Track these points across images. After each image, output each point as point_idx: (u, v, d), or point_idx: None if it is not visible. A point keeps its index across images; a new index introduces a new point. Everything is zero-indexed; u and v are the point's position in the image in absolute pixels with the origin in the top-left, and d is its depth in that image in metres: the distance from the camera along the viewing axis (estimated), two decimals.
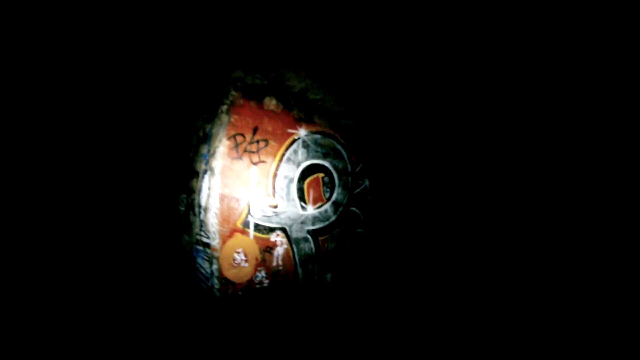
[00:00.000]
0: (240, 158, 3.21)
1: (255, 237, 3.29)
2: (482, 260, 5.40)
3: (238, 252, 3.10)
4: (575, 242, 3.39)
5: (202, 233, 3.04)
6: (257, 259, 3.25)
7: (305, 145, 3.82)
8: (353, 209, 4.40)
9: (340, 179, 4.20)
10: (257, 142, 3.38)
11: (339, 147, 4.24)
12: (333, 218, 4.05)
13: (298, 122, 3.77)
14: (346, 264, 4.22)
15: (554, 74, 3.33)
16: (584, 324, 2.89)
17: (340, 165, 4.23)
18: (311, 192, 3.84)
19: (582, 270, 3.26)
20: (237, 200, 3.18)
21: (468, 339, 3.27)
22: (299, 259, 3.64)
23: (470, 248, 5.61)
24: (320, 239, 3.88)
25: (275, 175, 3.53)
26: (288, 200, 3.61)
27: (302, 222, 3.71)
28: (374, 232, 5.02)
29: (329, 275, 3.95)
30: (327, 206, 3.99)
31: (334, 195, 4.09)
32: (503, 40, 3.20)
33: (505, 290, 4.22)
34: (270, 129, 3.50)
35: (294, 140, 3.72)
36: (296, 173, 3.70)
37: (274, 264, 3.40)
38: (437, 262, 5.85)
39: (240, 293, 3.11)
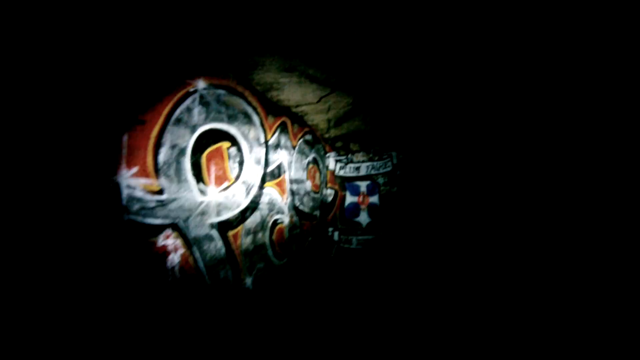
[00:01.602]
0: None
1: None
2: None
3: None
4: (583, 244, 3.34)
5: None
6: None
7: (204, 102, 2.62)
8: (270, 190, 3.47)
9: (251, 150, 3.17)
10: None
11: (250, 109, 3.17)
12: (245, 204, 3.04)
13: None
14: (268, 263, 3.32)
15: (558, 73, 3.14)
16: (586, 323, 2.80)
17: (252, 134, 3.19)
18: (213, 169, 2.71)
19: (588, 271, 3.22)
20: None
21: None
22: (205, 265, 2.52)
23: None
24: (230, 233, 2.83)
25: (158, 144, 2.25)
26: (179, 181, 2.40)
27: (203, 213, 2.57)
28: (298, 219, 4.24)
29: (249, 281, 2.98)
30: (236, 188, 2.94)
31: (244, 173, 3.06)
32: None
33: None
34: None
35: (188, 94, 2.48)
36: (190, 141, 2.50)
37: (169, 279, 2.21)
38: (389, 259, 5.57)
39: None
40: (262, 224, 3.28)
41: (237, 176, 2.95)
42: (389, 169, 5.53)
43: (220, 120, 2.80)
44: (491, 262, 4.50)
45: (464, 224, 4.83)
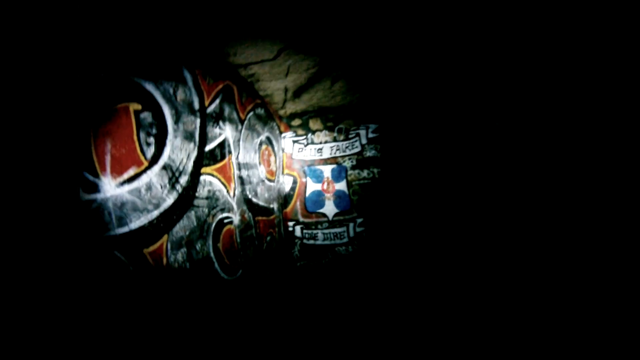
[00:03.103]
0: None
1: None
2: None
3: None
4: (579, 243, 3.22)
5: None
6: None
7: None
8: (210, 177, 2.41)
9: (178, 119, 2.08)
10: None
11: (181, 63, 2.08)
12: (169, 201, 1.97)
13: None
14: (216, 281, 2.27)
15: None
16: (585, 324, 2.70)
17: (181, 95, 2.10)
18: (109, 145, 1.61)
19: (585, 270, 3.12)
20: None
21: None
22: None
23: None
24: (148, 250, 1.76)
25: None
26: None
27: (91, 222, 1.49)
28: (251, 216, 3.22)
29: (186, 316, 1.92)
30: (153, 176, 1.86)
31: (167, 152, 1.98)
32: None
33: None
34: None
35: None
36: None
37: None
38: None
39: None
40: (201, 229, 2.24)
41: (155, 157, 1.86)
42: (356, 149, 4.73)
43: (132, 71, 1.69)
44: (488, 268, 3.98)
45: (450, 217, 4.25)
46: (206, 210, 2.32)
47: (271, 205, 3.96)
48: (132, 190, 1.67)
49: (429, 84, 4.01)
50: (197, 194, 2.22)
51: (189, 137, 2.17)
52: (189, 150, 2.15)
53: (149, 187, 1.78)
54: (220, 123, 2.65)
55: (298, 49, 2.85)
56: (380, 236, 4.61)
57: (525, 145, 3.77)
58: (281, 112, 4.70)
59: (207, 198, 2.34)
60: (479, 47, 3.03)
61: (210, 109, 2.49)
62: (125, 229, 1.61)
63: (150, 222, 1.76)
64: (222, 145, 2.65)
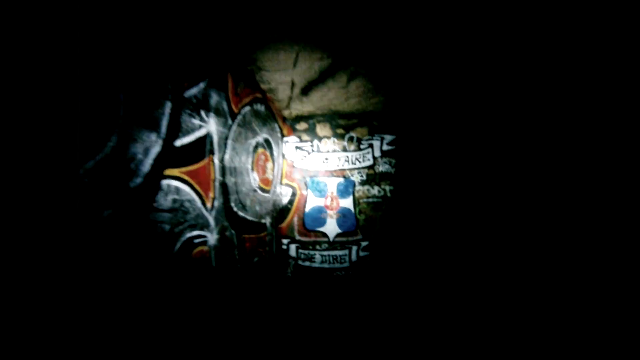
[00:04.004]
0: None
1: None
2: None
3: None
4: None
5: None
6: None
7: None
8: (178, 183, 1.80)
9: (134, 99, 1.49)
10: None
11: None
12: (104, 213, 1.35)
13: None
14: None
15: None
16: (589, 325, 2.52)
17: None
18: None
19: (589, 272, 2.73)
20: None
21: None
22: None
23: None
24: None
25: None
26: None
27: None
28: (234, 234, 2.58)
29: None
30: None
31: (108, 144, 1.38)
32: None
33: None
34: None
35: None
36: None
37: None
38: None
39: None
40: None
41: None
42: (368, 162, 4.13)
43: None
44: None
45: (471, 251, 3.60)
46: (167, 227, 1.70)
47: (262, 220, 3.33)
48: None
49: (458, 96, 3.43)
50: (155, 204, 1.61)
51: (151, 124, 1.57)
52: (148, 142, 1.54)
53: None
54: (203, 113, 2.05)
55: (309, 34, 2.28)
56: (387, 264, 3.97)
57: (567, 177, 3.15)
58: (285, 113, 4.12)
59: (170, 210, 1.72)
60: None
61: (189, 93, 1.90)
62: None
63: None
64: (201, 141, 2.04)
